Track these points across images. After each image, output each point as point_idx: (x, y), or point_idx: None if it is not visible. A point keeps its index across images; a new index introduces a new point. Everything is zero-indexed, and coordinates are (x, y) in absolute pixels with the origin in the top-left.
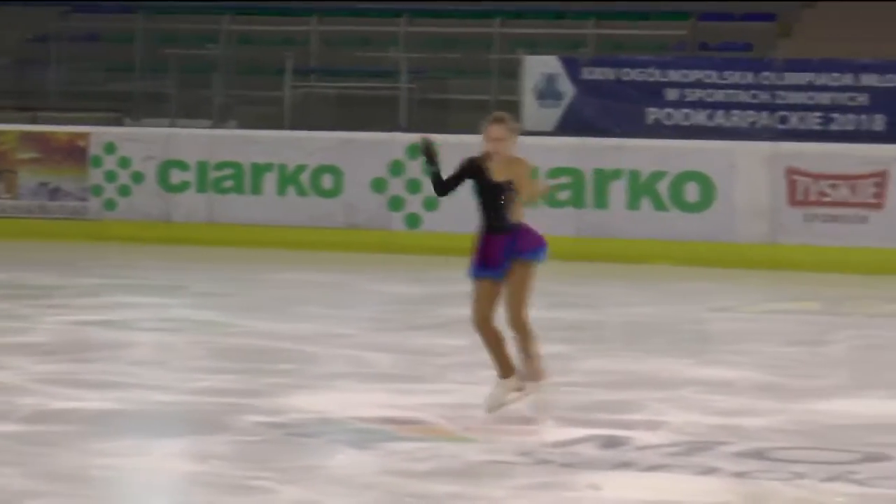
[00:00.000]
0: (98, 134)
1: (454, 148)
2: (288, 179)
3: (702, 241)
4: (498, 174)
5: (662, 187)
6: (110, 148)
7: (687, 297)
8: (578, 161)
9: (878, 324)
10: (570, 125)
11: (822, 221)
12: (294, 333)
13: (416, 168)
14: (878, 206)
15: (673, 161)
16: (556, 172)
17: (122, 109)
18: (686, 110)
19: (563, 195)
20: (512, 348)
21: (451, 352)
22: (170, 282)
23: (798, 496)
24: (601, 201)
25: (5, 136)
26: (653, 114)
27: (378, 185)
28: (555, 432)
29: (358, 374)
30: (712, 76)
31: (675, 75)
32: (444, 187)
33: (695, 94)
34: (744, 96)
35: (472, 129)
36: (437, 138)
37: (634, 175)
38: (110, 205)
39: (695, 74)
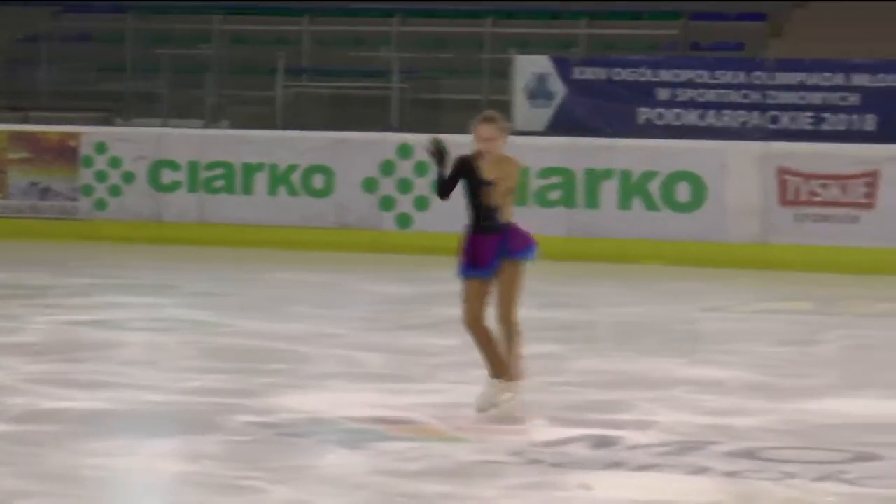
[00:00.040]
0: (89, 134)
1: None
2: (279, 179)
3: (693, 240)
4: (488, 173)
5: (654, 187)
6: (101, 148)
7: (678, 296)
8: (569, 161)
9: (868, 324)
10: (562, 125)
11: (813, 221)
12: (285, 333)
13: (407, 168)
14: (869, 205)
15: (664, 161)
16: (547, 172)
17: (114, 109)
18: (677, 110)
19: (555, 195)
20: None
21: (442, 351)
22: (161, 282)
23: (789, 496)
24: (592, 201)
25: None
26: (644, 114)
27: (369, 185)
28: (546, 432)
29: (349, 374)
30: (703, 76)
31: (666, 75)
32: (447, 190)
33: (686, 94)
34: (735, 96)
35: (463, 129)
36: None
37: (626, 175)
38: (101, 205)
39: (686, 74)
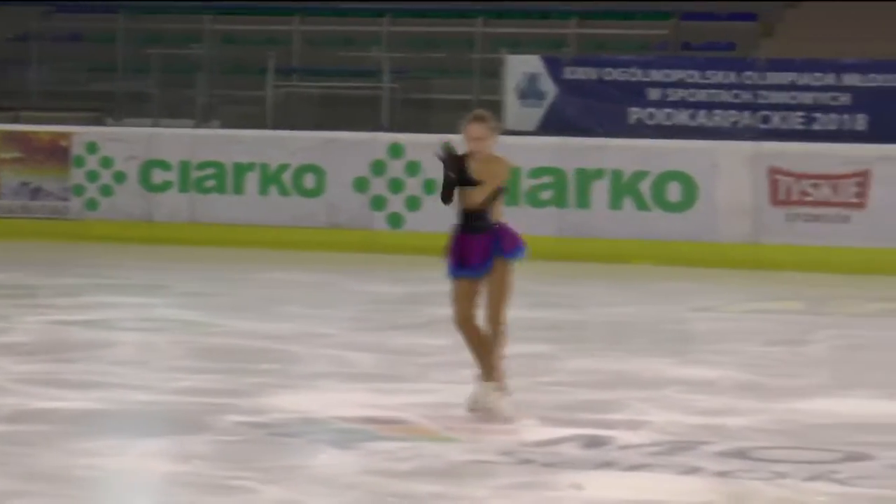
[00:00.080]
0: (80, 134)
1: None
2: (270, 179)
3: (684, 240)
4: (478, 173)
5: (645, 187)
6: (92, 148)
7: (669, 296)
8: (560, 161)
9: (859, 323)
10: (553, 125)
11: (805, 221)
12: (276, 333)
13: (398, 168)
14: (860, 205)
15: (655, 161)
16: (537, 172)
17: (105, 109)
18: (668, 110)
19: (546, 195)
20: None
21: (433, 351)
22: (152, 281)
23: (780, 496)
24: (583, 201)
25: None
26: (635, 113)
27: (360, 185)
28: (537, 432)
29: (340, 374)
30: (695, 76)
31: (657, 75)
32: (452, 194)
33: (677, 94)
34: (726, 96)
35: (454, 129)
36: (423, 139)
37: (617, 175)
38: (92, 204)
39: (677, 74)
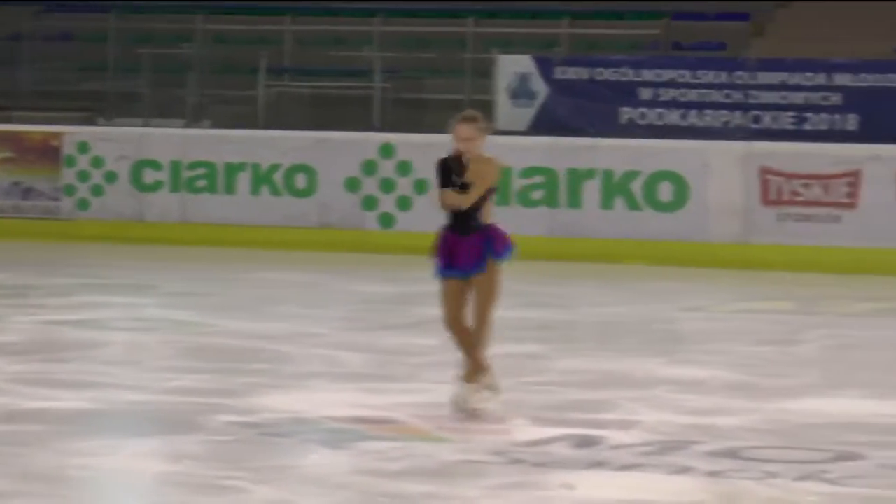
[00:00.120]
0: (71, 133)
1: (428, 148)
2: (261, 179)
3: (675, 240)
4: (468, 174)
5: (636, 187)
6: (83, 147)
7: (660, 296)
8: (551, 161)
9: (850, 323)
10: (544, 125)
11: (795, 221)
12: (267, 333)
13: (389, 167)
14: (850, 205)
15: (646, 161)
16: (529, 172)
17: (96, 109)
18: (659, 110)
19: (537, 195)
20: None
21: (423, 351)
22: (143, 281)
23: (770, 495)
24: (574, 201)
25: None
26: (626, 113)
27: (352, 185)
28: (528, 432)
29: (331, 374)
30: (686, 76)
31: (648, 75)
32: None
33: (668, 94)
34: (717, 96)
35: (445, 129)
36: (414, 139)
37: (608, 175)
38: (83, 204)
39: (668, 74)
